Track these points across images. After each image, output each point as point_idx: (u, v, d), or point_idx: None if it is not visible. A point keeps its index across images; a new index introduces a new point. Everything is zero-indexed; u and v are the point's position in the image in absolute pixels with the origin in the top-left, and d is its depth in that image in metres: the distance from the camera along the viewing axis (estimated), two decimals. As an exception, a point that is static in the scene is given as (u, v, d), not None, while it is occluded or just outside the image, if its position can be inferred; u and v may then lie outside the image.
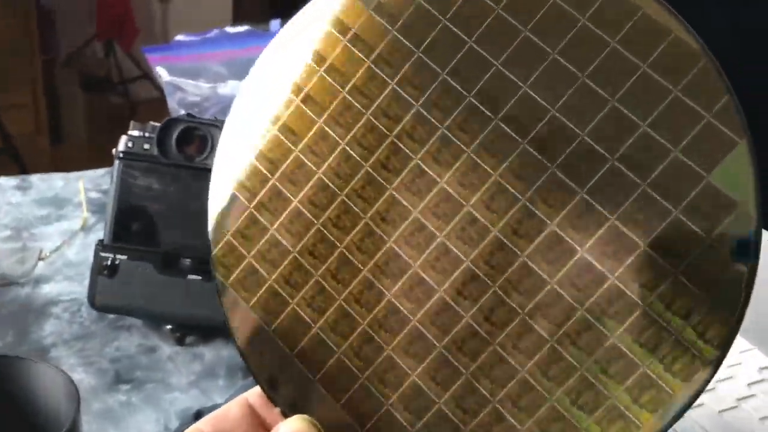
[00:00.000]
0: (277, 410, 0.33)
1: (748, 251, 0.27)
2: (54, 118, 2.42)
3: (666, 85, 0.28)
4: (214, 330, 0.62)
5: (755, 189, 0.27)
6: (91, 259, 0.61)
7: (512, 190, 0.30)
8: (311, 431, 0.31)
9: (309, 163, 0.33)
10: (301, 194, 0.33)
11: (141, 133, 0.59)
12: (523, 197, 0.30)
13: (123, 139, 0.59)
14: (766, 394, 0.57)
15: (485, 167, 0.30)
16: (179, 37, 0.87)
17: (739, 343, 0.62)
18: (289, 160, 0.34)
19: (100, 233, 0.71)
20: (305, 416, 0.32)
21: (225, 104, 0.82)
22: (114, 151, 0.60)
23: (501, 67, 0.31)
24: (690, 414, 0.55)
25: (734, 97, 0.28)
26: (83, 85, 2.56)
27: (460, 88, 0.31)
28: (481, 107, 0.31)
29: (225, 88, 0.84)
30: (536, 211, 0.30)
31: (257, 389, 0.34)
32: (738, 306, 0.27)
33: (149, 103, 2.46)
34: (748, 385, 0.58)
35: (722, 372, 0.59)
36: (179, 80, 0.85)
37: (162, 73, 0.86)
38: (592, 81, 0.29)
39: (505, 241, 0.30)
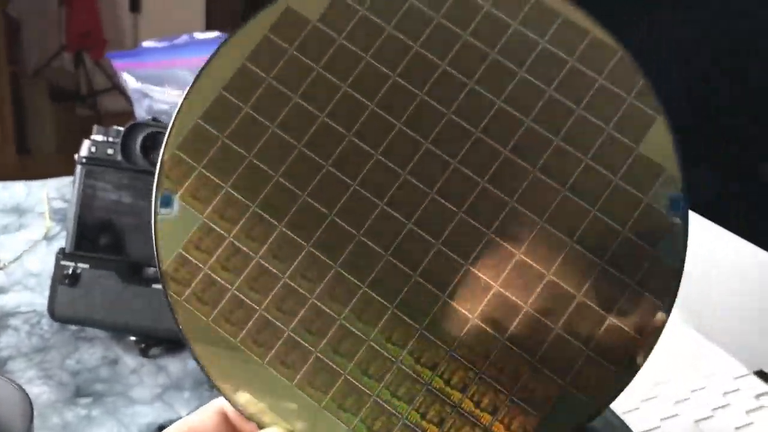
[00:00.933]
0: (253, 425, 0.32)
1: (680, 205, 0.32)
2: (21, 129, 2.38)
3: (592, 75, 0.33)
4: (179, 341, 0.60)
5: (676, 155, 0.32)
6: (52, 269, 0.58)
7: None
8: None
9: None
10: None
11: (104, 138, 0.57)
12: None
13: (86, 143, 0.57)
14: (741, 403, 0.57)
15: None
16: (147, 43, 0.85)
17: (714, 352, 0.62)
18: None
19: (63, 243, 0.69)
20: (281, 428, 0.31)
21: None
22: (76, 156, 0.58)
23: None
24: (665, 424, 0.54)
25: (647, 80, 0.33)
26: (51, 96, 2.52)
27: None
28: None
29: (194, 95, 0.82)
30: None
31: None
32: (680, 256, 0.31)
33: (119, 116, 2.43)
34: (724, 394, 0.58)
35: (697, 382, 0.59)
36: (146, 87, 0.83)
37: (128, 80, 0.84)
38: (529, 75, 0.33)
39: None
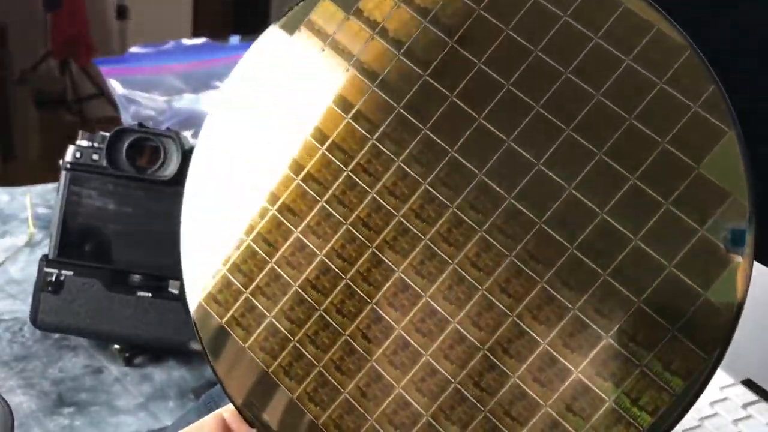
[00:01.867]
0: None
1: (743, 240, 0.27)
2: (5, 135, 2.36)
3: (650, 77, 0.28)
4: (164, 350, 0.59)
5: (747, 179, 0.27)
6: (35, 276, 0.58)
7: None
8: None
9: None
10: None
11: (90, 143, 0.57)
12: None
13: (70, 149, 0.56)
14: (728, 412, 0.57)
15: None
16: (134, 49, 0.85)
17: (701, 361, 0.62)
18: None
19: (47, 249, 0.68)
20: None
21: (181, 118, 0.80)
22: (61, 161, 0.57)
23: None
24: (654, 434, 0.54)
25: (721, 87, 0.27)
26: (37, 102, 2.51)
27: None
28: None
29: (181, 102, 0.82)
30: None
31: (231, 407, 0.32)
32: (734, 307, 0.27)
33: (105, 122, 2.41)
34: (711, 404, 0.57)
35: (685, 391, 0.58)
36: (133, 93, 0.83)
37: (115, 86, 0.83)
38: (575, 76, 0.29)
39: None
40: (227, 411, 0.32)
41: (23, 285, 0.66)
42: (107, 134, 0.57)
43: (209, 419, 0.32)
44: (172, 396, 0.56)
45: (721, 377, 0.60)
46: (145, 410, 0.54)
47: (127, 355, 0.58)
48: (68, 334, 0.59)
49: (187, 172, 0.35)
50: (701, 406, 0.57)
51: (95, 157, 0.57)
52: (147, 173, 0.56)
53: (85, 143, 0.57)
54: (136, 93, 0.83)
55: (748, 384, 0.59)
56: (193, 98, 0.82)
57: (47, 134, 2.44)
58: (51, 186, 0.84)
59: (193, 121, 0.80)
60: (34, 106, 2.48)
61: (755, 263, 0.48)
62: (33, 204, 0.80)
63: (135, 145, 0.56)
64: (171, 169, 0.56)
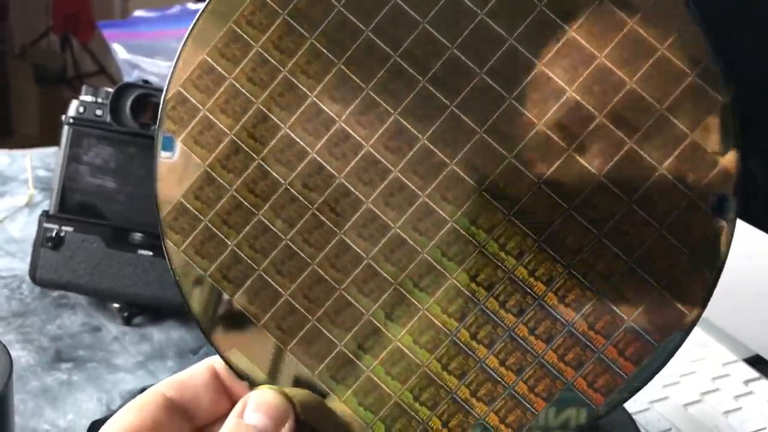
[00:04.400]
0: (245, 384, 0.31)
1: (728, 206, 0.28)
2: (4, 111, 2.35)
3: (653, 43, 0.28)
4: (164, 309, 0.58)
5: (736, 149, 0.28)
6: (34, 235, 0.57)
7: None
8: (281, 402, 0.29)
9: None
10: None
11: (93, 99, 0.56)
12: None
13: (74, 103, 0.56)
14: (729, 388, 0.56)
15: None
16: (138, 13, 0.84)
17: (702, 338, 0.61)
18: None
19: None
20: (274, 386, 0.30)
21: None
22: (63, 116, 0.56)
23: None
24: (655, 407, 0.54)
25: (716, 57, 0.28)
26: (37, 78, 2.49)
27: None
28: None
29: (185, 68, 0.81)
30: None
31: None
32: (717, 264, 0.28)
33: (105, 100, 2.39)
34: (712, 379, 0.57)
35: (686, 367, 0.58)
36: (137, 58, 0.82)
37: (118, 50, 0.82)
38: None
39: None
40: (218, 360, 0.31)
41: (22, 244, 0.66)
42: (111, 90, 0.56)
43: (200, 366, 0.31)
44: (171, 356, 0.55)
45: (723, 354, 0.60)
46: (143, 368, 0.54)
47: (126, 314, 0.58)
48: (67, 291, 0.58)
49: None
50: (703, 381, 0.56)
51: (99, 112, 0.56)
52: (151, 129, 0.56)
53: (88, 98, 0.56)
54: (140, 58, 0.82)
55: (750, 361, 0.59)
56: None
57: (46, 110, 2.43)
58: (51, 150, 0.83)
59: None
60: (33, 82, 2.47)
61: (762, 234, 0.48)
62: (33, 167, 0.79)
63: (139, 102, 0.56)
64: (175, 126, 0.55)
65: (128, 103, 0.55)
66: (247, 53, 0.31)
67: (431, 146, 0.29)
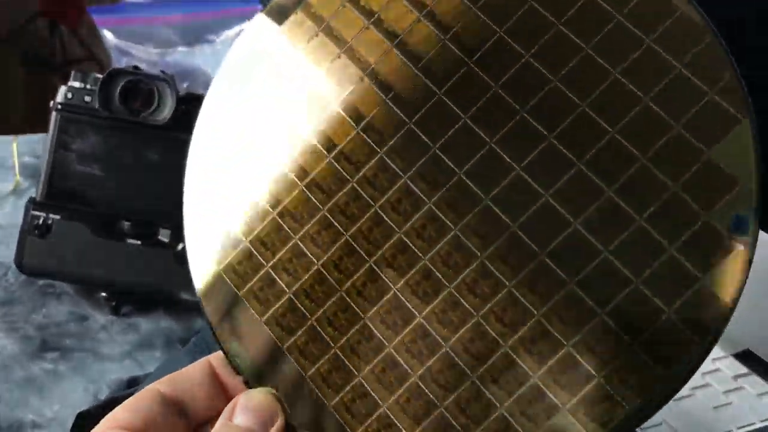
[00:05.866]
0: (240, 379, 0.30)
1: (747, 228, 0.26)
2: (-10, 96, 2.32)
3: (670, 60, 0.27)
4: (152, 299, 0.58)
5: (757, 168, 0.26)
6: (20, 222, 0.56)
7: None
8: (270, 403, 0.29)
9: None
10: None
11: (82, 85, 0.55)
12: None
13: (62, 89, 0.55)
14: (719, 383, 0.56)
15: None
16: (129, -2, 0.83)
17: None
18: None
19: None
20: (268, 388, 0.29)
21: (174, 72, 0.78)
22: (51, 102, 0.55)
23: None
24: (645, 401, 0.54)
25: (738, 74, 0.27)
26: (24, 63, 2.46)
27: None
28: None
29: (174, 55, 0.80)
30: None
31: (220, 353, 0.31)
32: (736, 288, 0.26)
33: (93, 86, 2.37)
34: (702, 374, 0.57)
35: (677, 361, 0.58)
36: (127, 44, 0.81)
37: (109, 36, 0.81)
38: (595, 53, 0.28)
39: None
40: (216, 358, 0.31)
41: (8, 230, 0.65)
42: (101, 76, 0.55)
43: (196, 365, 0.31)
44: (159, 346, 0.55)
45: (713, 349, 0.60)
46: (130, 358, 0.53)
47: (113, 303, 0.57)
48: (53, 279, 0.58)
49: (180, 117, 0.33)
50: (694, 377, 0.56)
51: (87, 98, 0.55)
52: (140, 117, 0.55)
53: (77, 84, 0.55)
54: (130, 44, 0.81)
55: (740, 356, 0.59)
56: (186, 52, 0.80)
57: (33, 96, 2.40)
58: (38, 136, 0.82)
59: (186, 75, 0.79)
60: (21, 67, 2.44)
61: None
62: (20, 153, 0.78)
63: (129, 88, 0.55)
64: (165, 113, 0.54)
65: (118, 90, 0.55)
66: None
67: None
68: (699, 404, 0.54)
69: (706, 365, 0.58)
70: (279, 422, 0.28)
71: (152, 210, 0.55)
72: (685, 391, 0.55)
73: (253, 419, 0.28)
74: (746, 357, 0.59)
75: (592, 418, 0.26)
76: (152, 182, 0.55)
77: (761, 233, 0.38)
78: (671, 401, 0.54)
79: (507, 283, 0.28)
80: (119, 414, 0.28)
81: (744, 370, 0.58)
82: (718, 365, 0.58)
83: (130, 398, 0.29)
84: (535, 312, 0.27)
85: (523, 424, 0.27)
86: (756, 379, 0.57)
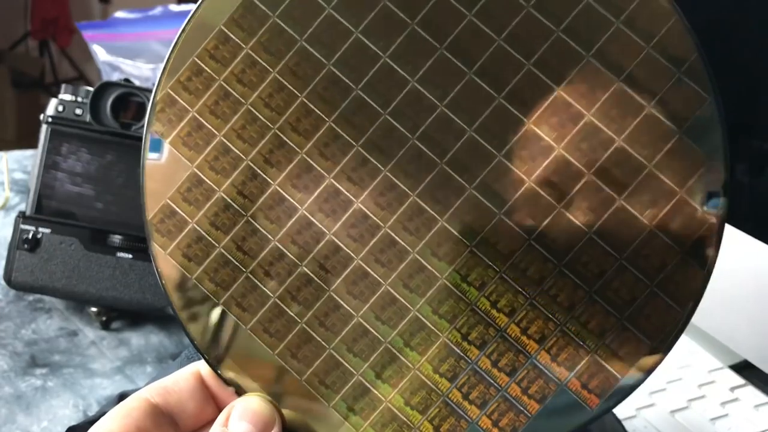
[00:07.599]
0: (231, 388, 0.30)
1: (717, 203, 0.28)
2: (-20, 115, 2.31)
3: (639, 42, 0.29)
4: (143, 314, 0.57)
5: (724, 143, 0.28)
6: (10, 238, 0.55)
7: None
8: (268, 410, 0.28)
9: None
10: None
11: (73, 97, 0.55)
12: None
13: (53, 102, 0.54)
14: (715, 395, 0.56)
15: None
16: (119, 14, 0.82)
17: (688, 345, 0.61)
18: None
19: (22, 212, 0.66)
20: (264, 395, 0.29)
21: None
22: (42, 115, 0.55)
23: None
24: (642, 413, 0.53)
25: (703, 54, 0.28)
26: (14, 83, 2.46)
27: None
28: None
29: (166, 70, 0.80)
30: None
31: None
32: (708, 260, 0.28)
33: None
34: (699, 386, 0.57)
35: (673, 373, 0.58)
36: (117, 60, 0.80)
37: (98, 52, 0.81)
38: (566, 35, 0.29)
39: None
40: (203, 366, 0.31)
41: (-3, 247, 0.64)
42: (91, 89, 0.55)
43: (185, 372, 0.30)
44: (150, 361, 0.54)
45: (709, 361, 0.59)
46: (121, 374, 0.52)
47: (104, 318, 0.56)
48: (43, 295, 0.57)
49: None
50: (689, 387, 0.56)
51: (78, 111, 0.55)
52: (132, 130, 0.54)
53: (68, 97, 0.55)
54: (120, 60, 0.81)
55: (736, 368, 0.59)
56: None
57: (24, 115, 2.39)
58: (29, 152, 0.82)
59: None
60: (11, 87, 2.43)
61: (752, 239, 0.47)
62: (10, 169, 0.77)
63: (120, 101, 0.54)
64: (157, 126, 0.54)
65: (109, 102, 0.54)
66: (237, 55, 0.30)
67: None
68: (695, 416, 0.54)
69: (703, 377, 0.58)
70: (276, 429, 0.28)
71: (143, 223, 0.54)
72: (681, 402, 0.54)
73: (251, 426, 0.27)
74: (743, 368, 0.59)
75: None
76: (143, 195, 0.55)
77: (759, 243, 0.39)
78: (667, 413, 0.53)
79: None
80: (108, 423, 0.27)
81: (741, 381, 0.57)
82: (715, 377, 0.58)
83: (118, 407, 0.28)
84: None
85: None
86: (752, 390, 0.56)
